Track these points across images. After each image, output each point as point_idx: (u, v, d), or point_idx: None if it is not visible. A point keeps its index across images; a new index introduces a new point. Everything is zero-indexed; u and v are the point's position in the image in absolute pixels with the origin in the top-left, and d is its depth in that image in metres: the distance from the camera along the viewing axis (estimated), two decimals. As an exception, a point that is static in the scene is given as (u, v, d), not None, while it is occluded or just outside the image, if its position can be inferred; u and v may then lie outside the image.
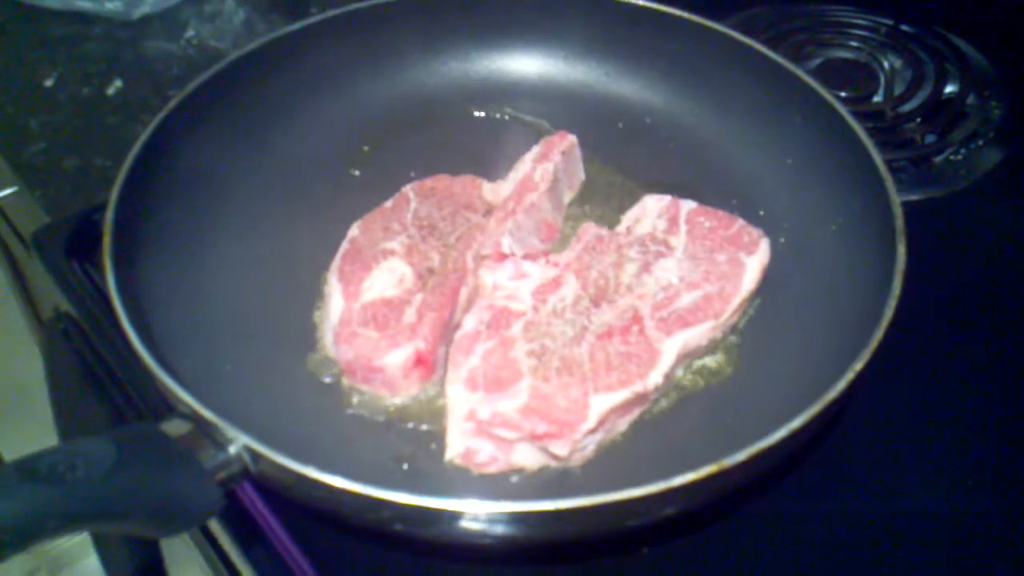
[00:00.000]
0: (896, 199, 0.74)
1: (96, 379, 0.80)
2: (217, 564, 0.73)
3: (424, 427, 0.71)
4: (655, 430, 0.71)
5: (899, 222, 0.72)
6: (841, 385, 0.62)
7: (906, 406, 0.77)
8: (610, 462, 0.68)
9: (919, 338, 0.79)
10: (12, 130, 1.02)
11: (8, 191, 1.02)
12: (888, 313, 0.66)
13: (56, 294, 0.86)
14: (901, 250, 0.70)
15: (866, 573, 0.68)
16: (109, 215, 0.72)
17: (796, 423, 0.60)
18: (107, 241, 0.70)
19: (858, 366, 0.63)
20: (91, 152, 0.99)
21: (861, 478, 0.72)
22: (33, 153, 0.99)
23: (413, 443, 0.70)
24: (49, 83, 1.08)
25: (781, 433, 0.59)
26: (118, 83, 1.07)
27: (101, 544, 0.90)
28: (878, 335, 0.65)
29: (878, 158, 0.77)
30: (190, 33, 1.15)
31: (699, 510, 0.66)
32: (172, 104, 0.81)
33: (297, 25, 0.91)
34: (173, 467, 0.58)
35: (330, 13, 0.92)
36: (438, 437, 0.70)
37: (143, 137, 0.78)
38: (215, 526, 0.72)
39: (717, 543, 0.69)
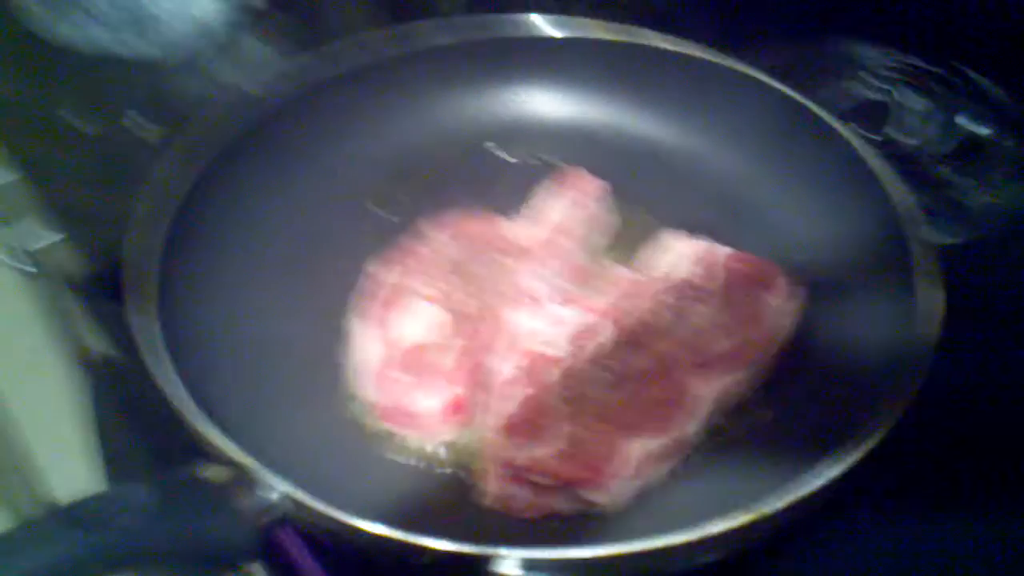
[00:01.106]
0: (929, 242, 0.74)
1: (141, 423, 0.80)
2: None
3: (461, 472, 0.71)
4: (691, 476, 0.71)
5: (933, 266, 0.72)
6: (881, 433, 0.62)
7: (946, 448, 0.76)
8: (647, 508, 0.68)
9: (956, 381, 0.79)
10: (48, 175, 1.03)
11: (55, 239, 1.02)
12: (926, 358, 0.66)
13: (102, 339, 0.87)
14: (937, 295, 0.70)
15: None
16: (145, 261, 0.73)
17: (835, 471, 0.59)
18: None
19: (897, 413, 0.63)
20: (124, 195, 0.99)
21: (899, 520, 0.72)
22: (73, 198, 0.99)
23: (450, 488, 0.70)
24: (79, 124, 1.08)
25: (820, 481, 0.59)
26: (153, 127, 1.08)
27: None
28: (917, 380, 0.65)
29: (909, 200, 0.77)
30: (214, 72, 1.15)
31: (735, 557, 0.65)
32: (203, 149, 0.82)
33: (319, 64, 0.92)
34: (214, 513, 0.59)
35: (351, 54, 0.93)
36: (475, 482, 0.70)
37: (173, 182, 0.79)
38: (252, 566, 0.72)
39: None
